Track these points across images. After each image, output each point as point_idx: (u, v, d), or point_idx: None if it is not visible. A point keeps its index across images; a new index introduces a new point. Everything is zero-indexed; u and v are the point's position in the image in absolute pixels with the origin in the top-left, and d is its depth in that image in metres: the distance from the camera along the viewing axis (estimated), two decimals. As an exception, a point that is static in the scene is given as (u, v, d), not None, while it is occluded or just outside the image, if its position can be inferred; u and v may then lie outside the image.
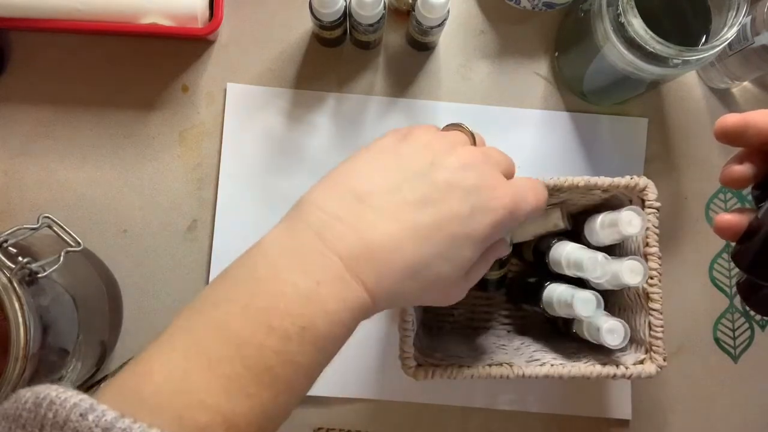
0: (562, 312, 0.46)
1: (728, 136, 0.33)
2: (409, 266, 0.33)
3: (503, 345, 0.52)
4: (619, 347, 0.44)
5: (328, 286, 0.31)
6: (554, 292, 0.47)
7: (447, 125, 0.40)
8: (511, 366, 0.44)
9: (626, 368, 0.44)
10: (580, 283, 0.47)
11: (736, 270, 0.59)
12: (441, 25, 0.52)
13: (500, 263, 0.51)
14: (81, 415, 0.26)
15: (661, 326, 0.44)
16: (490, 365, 0.44)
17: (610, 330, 0.43)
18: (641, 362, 0.45)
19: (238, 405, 0.29)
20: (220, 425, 0.28)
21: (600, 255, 0.44)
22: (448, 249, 0.34)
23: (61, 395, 0.27)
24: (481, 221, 0.34)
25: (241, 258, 0.33)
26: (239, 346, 0.29)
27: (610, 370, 0.44)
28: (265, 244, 0.33)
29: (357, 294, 0.32)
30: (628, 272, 0.43)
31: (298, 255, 0.32)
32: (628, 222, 0.43)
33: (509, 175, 0.38)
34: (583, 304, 0.44)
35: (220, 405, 0.28)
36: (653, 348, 0.44)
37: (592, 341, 0.46)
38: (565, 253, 0.46)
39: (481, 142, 0.40)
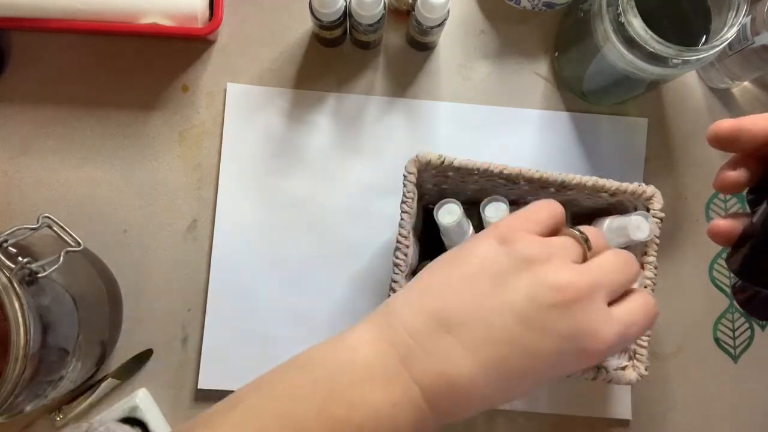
0: (616, 241, 0.46)
1: (722, 142, 0.32)
2: (486, 404, 0.33)
3: None
4: (647, 238, 0.43)
5: (403, 410, 0.31)
6: (610, 223, 0.46)
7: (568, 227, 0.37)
8: None
9: (607, 372, 0.44)
10: None
11: (736, 270, 0.59)
12: (441, 25, 0.52)
13: None
14: None
15: (648, 336, 0.44)
16: None
17: (638, 226, 0.43)
18: (623, 369, 0.45)
19: None
20: None
21: (641, 217, 0.44)
22: (529, 388, 0.33)
23: None
24: (570, 367, 0.33)
25: (324, 350, 0.33)
26: None
27: (590, 372, 0.44)
28: (349, 350, 0.33)
29: (430, 422, 0.32)
30: (635, 228, 0.43)
31: (381, 374, 0.32)
32: (637, 227, 0.43)
33: (628, 284, 0.35)
34: (637, 225, 0.43)
35: None
36: (637, 356, 0.44)
37: (619, 240, 0.45)
38: (615, 223, 0.46)
39: (597, 242, 0.36)
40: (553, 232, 0.37)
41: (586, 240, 0.36)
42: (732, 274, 0.58)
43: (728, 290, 0.59)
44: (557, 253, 0.34)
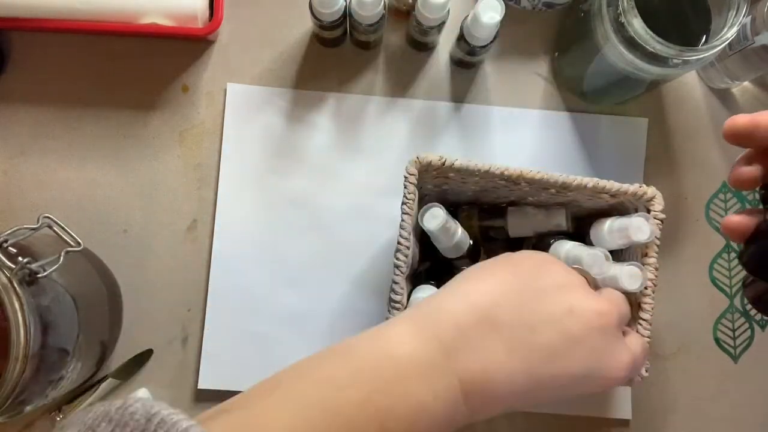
0: None
1: (737, 137, 0.32)
2: (517, 403, 0.34)
3: None
4: (639, 289, 0.43)
5: (442, 402, 0.32)
6: (561, 249, 0.47)
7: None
8: None
9: None
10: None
11: (737, 270, 0.59)
12: (441, 25, 0.52)
13: (472, 260, 0.50)
14: None
15: (648, 337, 0.44)
16: None
17: (631, 275, 0.43)
18: None
19: None
20: None
21: (600, 251, 0.44)
22: (553, 395, 0.35)
23: (173, 416, 0.27)
24: (592, 386, 0.35)
25: (364, 342, 0.34)
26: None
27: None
28: (394, 343, 0.33)
29: (464, 415, 0.33)
30: (627, 277, 0.43)
31: (425, 368, 0.32)
32: (638, 228, 0.43)
33: (623, 323, 0.38)
34: (592, 259, 0.43)
35: None
36: None
37: None
38: (564, 250, 0.46)
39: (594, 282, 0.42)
40: None
41: (594, 279, 0.41)
42: (735, 270, 0.59)
43: (728, 290, 0.59)
44: (582, 284, 0.38)
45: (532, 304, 0.35)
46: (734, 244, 0.59)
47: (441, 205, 0.44)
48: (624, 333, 0.39)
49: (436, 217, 0.44)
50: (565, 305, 0.35)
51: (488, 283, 0.36)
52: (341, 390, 0.31)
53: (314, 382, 0.31)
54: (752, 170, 0.33)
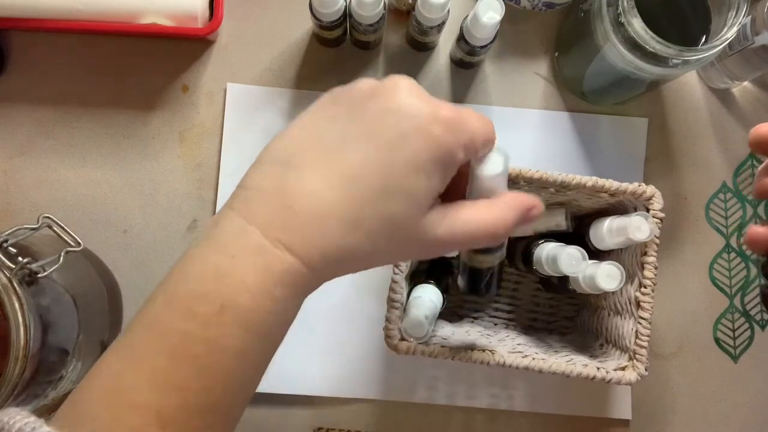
0: (551, 270, 0.46)
1: (764, 145, 0.31)
2: (344, 217, 0.28)
3: (488, 335, 0.52)
4: (617, 288, 0.43)
5: (245, 258, 0.28)
6: (543, 251, 0.47)
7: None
8: (492, 353, 0.44)
9: (606, 372, 0.44)
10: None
11: (737, 270, 0.59)
12: (441, 25, 0.52)
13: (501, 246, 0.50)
14: None
15: (648, 335, 0.44)
16: (472, 350, 0.44)
17: (608, 274, 0.43)
18: (623, 369, 0.45)
19: (168, 400, 0.27)
20: (154, 424, 0.27)
21: (578, 250, 0.44)
22: (388, 183, 0.29)
23: (10, 420, 0.26)
24: (418, 142, 0.29)
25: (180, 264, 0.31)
26: (164, 337, 0.28)
27: (590, 371, 0.44)
28: (197, 237, 0.32)
29: (283, 262, 0.28)
30: (604, 276, 0.43)
31: (219, 237, 0.29)
32: (637, 227, 0.43)
33: (484, 141, 0.32)
34: (568, 259, 0.43)
35: (150, 402, 0.27)
36: (637, 356, 0.44)
37: (591, 291, 0.46)
38: (545, 251, 0.46)
39: None
40: None
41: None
42: (735, 270, 0.59)
43: (728, 290, 0.59)
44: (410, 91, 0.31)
45: (319, 122, 0.30)
46: (734, 245, 0.59)
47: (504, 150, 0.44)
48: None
49: (496, 163, 0.44)
50: (362, 99, 0.30)
51: (278, 135, 0.31)
52: (154, 300, 0.29)
53: (138, 312, 0.30)
54: None
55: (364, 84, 0.31)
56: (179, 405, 0.27)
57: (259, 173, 0.30)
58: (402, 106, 0.29)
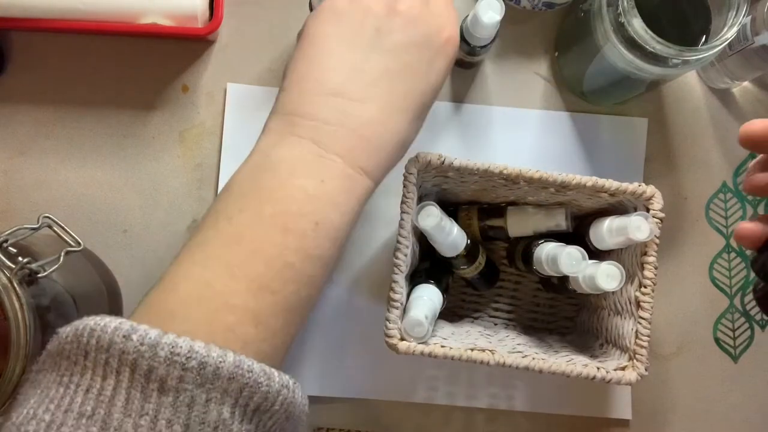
0: (551, 270, 0.46)
1: (754, 142, 0.32)
2: (397, 140, 0.37)
3: (488, 335, 0.52)
4: (617, 288, 0.44)
5: (333, 181, 0.34)
6: (543, 251, 0.47)
7: None
8: (492, 353, 0.44)
9: (606, 372, 0.44)
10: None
11: (737, 270, 0.59)
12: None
13: (469, 260, 0.50)
14: (124, 336, 0.27)
15: (648, 336, 0.44)
16: (472, 350, 0.44)
17: (608, 274, 0.43)
18: (623, 369, 0.45)
19: (263, 301, 0.31)
20: (249, 321, 0.30)
21: (578, 250, 0.44)
22: (421, 107, 0.37)
23: (100, 322, 0.28)
24: (440, 66, 0.38)
25: (240, 173, 0.36)
26: (257, 251, 0.31)
27: (590, 371, 0.44)
28: (258, 162, 0.35)
29: (361, 182, 0.35)
30: (604, 276, 0.43)
31: (300, 163, 0.34)
32: (637, 227, 0.43)
33: None
34: (568, 259, 0.44)
35: (246, 303, 0.31)
36: (637, 356, 0.44)
37: (590, 291, 0.46)
38: (545, 251, 0.46)
39: None
40: None
41: None
42: (735, 270, 0.59)
43: (728, 290, 0.59)
44: None
45: (347, 50, 0.36)
46: (734, 245, 0.59)
47: (436, 204, 0.44)
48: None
49: (430, 215, 0.44)
50: (372, 28, 0.36)
51: (307, 59, 0.37)
52: (233, 219, 0.33)
53: (211, 227, 0.34)
54: (767, 177, 0.32)
55: (369, 9, 0.37)
56: (272, 305, 0.31)
57: (317, 105, 0.35)
58: (421, 35, 0.37)
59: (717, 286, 0.59)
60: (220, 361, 0.28)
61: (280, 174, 0.34)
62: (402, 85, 0.36)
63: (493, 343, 0.49)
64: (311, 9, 0.50)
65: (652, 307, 0.45)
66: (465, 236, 0.48)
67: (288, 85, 0.37)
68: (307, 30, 0.38)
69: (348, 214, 0.35)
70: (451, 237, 0.46)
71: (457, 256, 0.48)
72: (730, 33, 0.44)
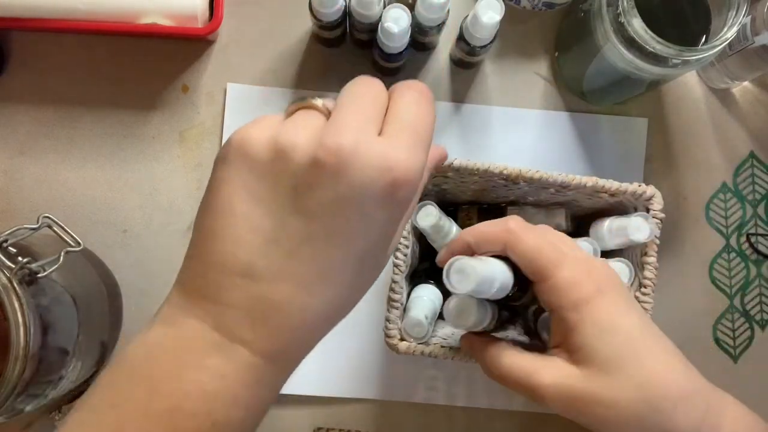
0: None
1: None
2: (325, 313, 0.29)
3: None
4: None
5: (236, 374, 0.28)
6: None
7: (292, 104, 0.31)
8: None
9: None
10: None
11: (737, 270, 0.59)
12: (441, 25, 0.52)
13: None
14: None
15: None
16: None
17: (617, 270, 0.43)
18: None
19: None
20: None
21: (589, 243, 0.44)
22: (361, 269, 0.30)
23: None
24: (383, 219, 0.28)
25: (136, 347, 0.30)
26: None
27: None
28: (155, 341, 0.30)
29: (272, 370, 0.29)
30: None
31: (197, 352, 0.28)
32: (637, 228, 0.43)
33: (385, 101, 0.30)
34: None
35: None
36: None
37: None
38: None
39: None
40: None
41: (321, 103, 0.30)
42: (735, 270, 0.58)
43: (728, 290, 0.59)
44: (303, 133, 0.28)
45: (259, 217, 0.28)
46: (734, 245, 0.59)
47: (434, 204, 0.44)
48: (391, 101, 0.30)
49: (429, 215, 0.44)
50: (285, 184, 0.28)
51: (209, 231, 0.30)
52: (118, 407, 0.28)
53: (93, 410, 0.29)
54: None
55: (288, 158, 0.28)
56: None
57: (221, 286, 0.28)
58: (353, 187, 0.27)
59: (717, 286, 0.59)
60: None
61: (174, 362, 0.28)
62: (329, 251, 0.28)
63: None
64: (311, 9, 0.50)
65: (652, 308, 0.45)
66: None
67: (193, 251, 0.30)
68: (214, 172, 0.31)
69: (255, 407, 0.29)
70: (450, 237, 0.46)
71: None
72: (730, 33, 0.44)
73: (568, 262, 0.36)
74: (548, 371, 0.36)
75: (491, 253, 0.38)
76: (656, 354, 0.37)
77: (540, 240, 0.37)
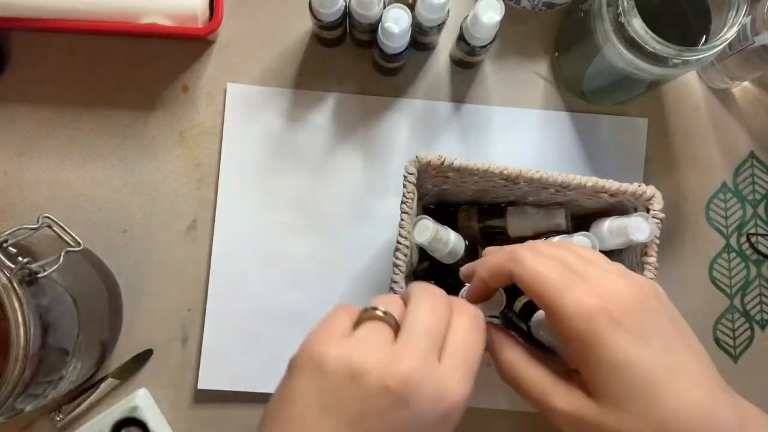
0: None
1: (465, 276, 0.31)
2: None
3: None
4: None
5: None
6: None
7: (364, 312, 0.32)
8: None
9: None
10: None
11: (737, 270, 0.59)
12: (441, 25, 0.52)
13: (471, 258, 0.50)
14: None
15: None
16: None
17: (637, 227, 0.43)
18: None
19: None
20: None
21: (588, 238, 0.44)
22: None
23: None
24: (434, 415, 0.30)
25: None
26: None
27: None
28: None
29: None
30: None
31: None
32: (637, 228, 0.43)
33: (446, 325, 0.32)
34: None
35: None
36: None
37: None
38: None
39: (393, 303, 0.33)
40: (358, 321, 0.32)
41: (386, 313, 0.32)
42: (735, 270, 0.58)
43: (728, 290, 0.59)
44: (365, 346, 0.30)
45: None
46: (734, 245, 0.59)
47: (429, 217, 0.44)
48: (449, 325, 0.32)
49: (426, 229, 0.44)
50: (356, 401, 0.30)
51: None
52: None
53: None
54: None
55: (360, 383, 0.30)
56: None
57: None
58: (414, 413, 0.29)
59: (717, 286, 0.59)
60: None
61: None
62: None
63: None
64: (311, 9, 0.51)
65: None
66: (463, 241, 0.48)
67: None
68: (289, 379, 0.32)
69: None
70: (449, 247, 0.46)
71: (458, 260, 0.48)
72: (730, 33, 0.44)
73: (577, 288, 0.33)
74: (563, 398, 0.34)
75: (503, 286, 0.37)
76: (677, 388, 0.33)
77: (545, 267, 0.34)
